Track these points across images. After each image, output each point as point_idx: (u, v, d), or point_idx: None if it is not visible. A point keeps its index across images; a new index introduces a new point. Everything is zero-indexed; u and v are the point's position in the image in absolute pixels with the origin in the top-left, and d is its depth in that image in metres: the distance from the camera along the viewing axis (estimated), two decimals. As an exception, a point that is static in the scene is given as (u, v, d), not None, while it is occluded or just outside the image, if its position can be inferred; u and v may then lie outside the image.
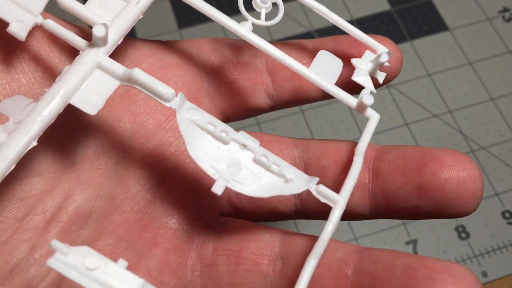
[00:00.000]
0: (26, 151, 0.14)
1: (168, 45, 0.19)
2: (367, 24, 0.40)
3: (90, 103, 0.15)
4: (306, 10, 0.40)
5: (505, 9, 0.40)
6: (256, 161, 0.16)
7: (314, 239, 0.17)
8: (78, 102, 0.15)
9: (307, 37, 0.39)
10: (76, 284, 0.16)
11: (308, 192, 0.18)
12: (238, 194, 0.19)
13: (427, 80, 0.38)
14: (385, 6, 0.40)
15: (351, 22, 0.39)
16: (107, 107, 0.18)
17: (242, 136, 0.16)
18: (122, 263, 0.14)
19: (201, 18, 0.39)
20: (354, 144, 0.18)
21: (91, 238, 0.17)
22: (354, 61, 0.19)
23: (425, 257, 0.15)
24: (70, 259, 0.13)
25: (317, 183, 0.16)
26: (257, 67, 0.19)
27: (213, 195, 0.18)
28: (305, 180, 0.16)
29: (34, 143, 0.14)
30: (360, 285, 0.16)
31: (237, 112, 0.20)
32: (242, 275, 0.17)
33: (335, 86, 0.18)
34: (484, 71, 0.38)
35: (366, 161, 0.17)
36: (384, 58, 0.18)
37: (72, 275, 0.13)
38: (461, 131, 0.36)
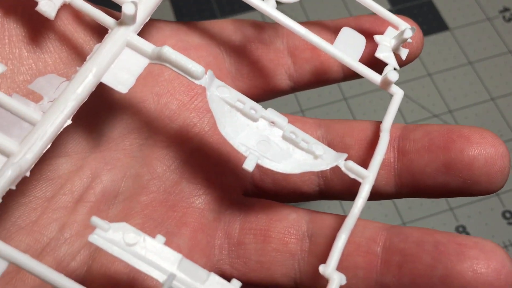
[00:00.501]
0: (62, 129, 0.14)
1: (190, 26, 0.20)
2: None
3: (121, 82, 0.15)
4: (307, 10, 0.40)
5: (506, 9, 0.41)
6: (285, 138, 0.16)
7: (341, 218, 0.17)
8: (110, 81, 0.15)
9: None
10: (108, 264, 0.16)
11: (332, 171, 0.18)
12: (261, 174, 0.19)
13: (427, 80, 0.38)
14: (385, 6, 0.40)
15: None
16: (130, 88, 0.18)
17: (271, 113, 0.16)
18: (160, 238, 0.14)
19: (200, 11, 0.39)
20: (378, 123, 0.18)
21: (119, 218, 0.17)
22: (377, 37, 0.19)
23: (455, 234, 0.16)
24: (110, 235, 0.14)
25: (346, 160, 0.17)
26: (278, 48, 0.20)
27: (237, 175, 0.19)
28: (333, 157, 0.17)
29: (69, 122, 0.14)
30: (390, 262, 0.16)
31: (258, 93, 0.20)
32: (270, 253, 0.18)
33: (359, 63, 0.18)
34: (484, 71, 0.38)
35: (391, 140, 0.18)
36: (408, 34, 0.18)
37: (114, 250, 0.13)
38: (462, 132, 0.37)
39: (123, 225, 0.14)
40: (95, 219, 0.14)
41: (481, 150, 0.16)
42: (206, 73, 0.16)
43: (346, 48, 0.18)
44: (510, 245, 0.32)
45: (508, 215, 0.33)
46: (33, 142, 0.14)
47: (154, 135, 0.18)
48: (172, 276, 0.13)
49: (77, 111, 0.15)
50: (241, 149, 0.16)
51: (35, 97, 0.15)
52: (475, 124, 0.36)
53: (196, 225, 0.18)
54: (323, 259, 0.16)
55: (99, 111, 0.18)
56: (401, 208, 0.33)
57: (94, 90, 0.15)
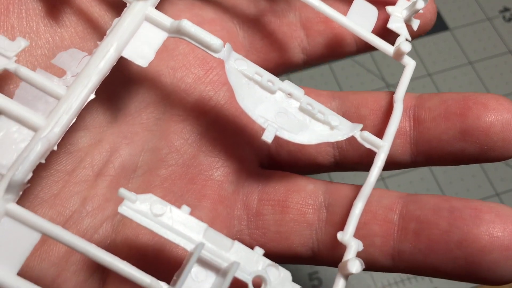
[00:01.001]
0: (86, 103, 0.14)
1: (204, 1, 0.20)
2: None
3: (141, 55, 0.15)
4: None
5: (506, 9, 0.41)
6: (302, 109, 0.17)
7: (357, 187, 0.18)
8: (130, 55, 0.15)
9: None
10: (132, 236, 0.17)
11: (347, 142, 0.19)
12: (277, 146, 0.20)
13: (428, 80, 0.39)
14: None
15: None
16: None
17: (288, 85, 0.17)
18: (185, 209, 0.15)
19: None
20: (392, 94, 0.19)
21: (139, 191, 0.18)
22: (389, 8, 0.19)
23: (470, 199, 0.16)
24: (138, 206, 0.14)
25: (361, 130, 0.17)
26: (291, 21, 0.20)
27: (254, 147, 0.19)
28: (349, 127, 0.17)
29: (92, 96, 0.15)
30: (407, 229, 0.17)
31: (271, 67, 0.20)
32: (288, 224, 0.18)
33: (373, 34, 0.19)
34: (484, 71, 0.39)
35: (406, 110, 0.18)
36: (420, 5, 0.18)
37: (142, 221, 0.14)
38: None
39: (150, 196, 0.14)
40: (123, 191, 0.14)
41: (498, 116, 0.17)
42: (224, 46, 0.16)
43: (359, 20, 0.19)
44: None
45: None
46: (59, 116, 0.14)
47: (170, 109, 0.19)
48: (201, 245, 0.14)
49: (96, 86, 0.15)
50: (260, 121, 0.16)
51: (54, 71, 0.16)
52: None
53: (216, 197, 0.18)
54: (340, 228, 0.17)
55: (116, 86, 0.18)
56: None
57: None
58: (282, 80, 0.17)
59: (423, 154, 0.18)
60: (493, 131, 0.17)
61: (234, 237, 0.19)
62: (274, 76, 0.17)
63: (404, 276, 0.32)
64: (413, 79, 0.38)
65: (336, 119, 0.17)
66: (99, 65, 0.15)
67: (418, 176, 0.35)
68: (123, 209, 0.14)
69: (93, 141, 0.18)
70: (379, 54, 0.39)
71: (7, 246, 0.13)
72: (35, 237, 0.13)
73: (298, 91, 0.17)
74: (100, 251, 0.13)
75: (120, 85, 0.18)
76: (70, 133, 0.17)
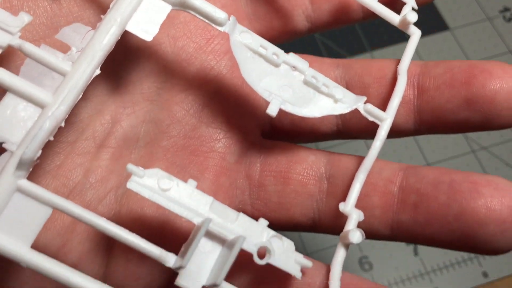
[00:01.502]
0: (91, 79, 0.15)
1: None
2: (367, 24, 0.40)
3: (145, 29, 0.15)
4: None
5: (506, 9, 0.41)
6: (306, 82, 0.17)
7: (358, 158, 0.18)
8: (134, 29, 0.15)
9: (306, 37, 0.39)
10: (137, 209, 0.17)
11: (351, 111, 0.19)
12: (280, 115, 0.20)
13: None
14: None
15: None
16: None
17: (292, 58, 0.17)
18: (192, 183, 0.15)
19: None
20: (397, 62, 0.19)
21: (142, 163, 0.18)
22: (395, -24, 0.19)
23: (470, 173, 0.17)
24: (146, 181, 0.15)
25: (365, 100, 0.17)
26: None
27: (256, 117, 0.19)
28: (353, 100, 0.17)
29: (98, 72, 0.15)
30: (406, 201, 0.17)
31: (275, 35, 0.20)
32: (290, 195, 0.19)
33: (379, 3, 0.18)
34: None
35: (410, 78, 0.18)
36: None
37: (151, 196, 0.14)
38: (462, 131, 0.37)
39: (157, 171, 0.15)
40: (131, 166, 0.15)
41: (503, 83, 0.17)
42: (229, 19, 0.16)
43: (365, -12, 0.19)
44: None
45: None
46: (66, 94, 0.14)
47: (171, 79, 0.19)
48: (208, 220, 0.14)
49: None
50: (265, 94, 0.17)
51: (50, 41, 0.16)
52: None
53: (218, 169, 0.19)
54: (341, 199, 0.17)
55: (116, 55, 0.18)
56: None
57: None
58: (287, 52, 0.17)
59: (426, 122, 0.18)
60: (498, 99, 0.17)
61: (236, 208, 0.19)
62: (279, 49, 0.17)
63: (404, 276, 0.33)
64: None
65: (340, 92, 0.17)
66: (103, 40, 0.15)
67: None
68: (132, 185, 0.14)
69: (94, 112, 0.18)
70: (379, 54, 0.39)
71: (20, 221, 0.14)
72: (47, 212, 0.14)
73: (302, 64, 0.17)
74: (111, 224, 0.14)
75: (121, 55, 0.18)
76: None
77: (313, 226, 0.19)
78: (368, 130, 0.19)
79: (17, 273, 0.17)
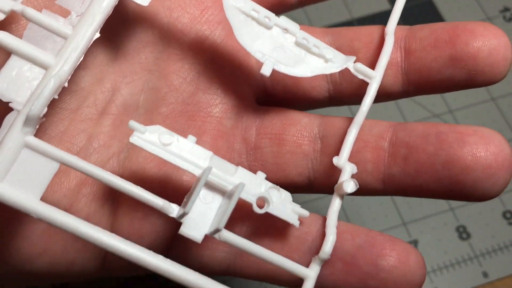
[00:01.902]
0: (92, 42, 0.15)
1: None
2: (367, 24, 0.39)
3: (142, -6, 0.16)
4: (307, 10, 0.40)
5: (506, 9, 0.41)
6: (297, 43, 0.18)
7: (349, 119, 0.19)
8: (131, -7, 0.16)
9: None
10: (139, 170, 0.18)
11: (341, 76, 0.20)
12: (273, 82, 0.21)
13: None
14: (386, 6, 0.40)
15: (351, 21, 0.40)
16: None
17: (284, 20, 0.18)
18: (192, 138, 0.16)
19: None
20: (384, 28, 0.20)
21: None
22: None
23: (456, 124, 0.18)
24: (148, 136, 0.15)
25: (354, 62, 0.18)
26: None
27: (250, 83, 0.20)
28: (343, 59, 0.18)
29: (97, 35, 0.15)
30: (396, 155, 0.18)
31: (266, 7, 0.21)
32: (285, 155, 0.20)
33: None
34: None
35: (397, 41, 0.19)
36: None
37: (153, 150, 0.15)
38: (462, 131, 0.37)
39: (158, 127, 0.16)
40: (133, 123, 0.15)
41: (485, 41, 0.18)
42: (220, -17, 0.17)
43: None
44: (511, 246, 0.33)
45: (508, 215, 0.34)
46: (68, 55, 0.15)
47: (168, 49, 0.20)
48: (209, 169, 0.15)
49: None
50: (258, 56, 0.17)
51: (63, 13, 0.17)
52: (475, 124, 0.35)
53: (216, 132, 0.20)
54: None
55: (113, 25, 0.19)
56: (402, 208, 0.34)
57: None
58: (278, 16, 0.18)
59: (414, 83, 0.19)
60: (480, 56, 0.18)
61: None
62: (270, 12, 0.18)
63: None
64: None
65: (330, 52, 0.18)
66: (103, 4, 0.16)
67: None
68: (134, 139, 0.15)
69: (95, 80, 0.19)
70: None
71: (29, 175, 0.14)
72: (54, 167, 0.15)
73: (293, 26, 0.18)
74: (115, 177, 0.15)
75: (118, 25, 0.19)
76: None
77: (309, 186, 0.20)
78: (358, 94, 0.20)
79: (26, 234, 0.17)
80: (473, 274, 0.32)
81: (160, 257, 0.15)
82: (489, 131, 0.18)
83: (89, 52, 0.19)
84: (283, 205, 0.16)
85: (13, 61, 0.15)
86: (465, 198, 0.18)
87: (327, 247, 0.17)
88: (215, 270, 0.19)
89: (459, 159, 0.17)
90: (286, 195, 0.17)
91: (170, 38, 0.20)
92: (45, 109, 0.15)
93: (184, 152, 0.16)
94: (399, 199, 0.35)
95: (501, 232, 0.34)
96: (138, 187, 0.15)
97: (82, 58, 0.15)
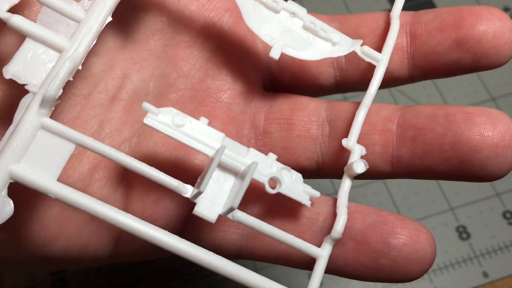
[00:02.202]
0: (104, 25, 0.16)
1: None
2: None
3: (152, -21, 0.16)
4: (307, 10, 0.40)
5: (506, 9, 0.41)
6: (305, 27, 0.18)
7: (357, 104, 0.19)
8: (142, -22, 0.16)
9: None
10: (151, 154, 0.18)
11: (347, 61, 0.20)
12: (280, 68, 0.21)
13: (428, 80, 0.38)
14: (386, 6, 0.41)
15: None
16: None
17: (292, 4, 0.18)
18: (204, 120, 0.16)
19: None
20: (389, 13, 0.20)
21: None
22: None
23: (463, 106, 0.18)
24: (161, 118, 0.16)
25: (361, 45, 0.18)
26: None
27: (258, 70, 0.21)
28: (350, 43, 0.19)
29: (110, 18, 0.16)
30: (404, 136, 0.18)
31: None
32: (294, 140, 0.20)
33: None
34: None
35: (403, 26, 0.19)
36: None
37: (166, 130, 0.15)
38: (462, 131, 0.37)
39: (170, 109, 0.16)
40: (146, 104, 0.16)
41: (490, 24, 0.18)
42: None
43: None
44: (511, 246, 0.33)
45: (508, 215, 0.34)
46: (81, 38, 0.15)
47: (176, 36, 0.20)
48: (222, 148, 0.15)
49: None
50: (267, 39, 0.18)
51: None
52: None
53: (225, 118, 0.20)
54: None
55: (123, 13, 0.19)
56: (401, 208, 0.35)
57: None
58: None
59: (420, 68, 0.20)
60: (485, 38, 0.18)
61: None
62: None
63: None
64: (413, 79, 0.39)
65: (338, 36, 0.19)
66: (115, -12, 0.16)
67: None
68: (148, 120, 0.16)
69: (105, 67, 0.19)
70: None
71: (46, 156, 0.15)
72: (70, 148, 0.15)
73: (301, 11, 0.18)
74: (130, 158, 0.15)
75: (128, 12, 0.19)
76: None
77: (318, 170, 0.20)
78: (364, 79, 0.20)
79: (40, 218, 0.17)
80: (473, 274, 0.33)
81: (175, 236, 0.15)
82: (497, 112, 0.18)
83: (100, 38, 0.19)
84: (294, 186, 0.17)
85: (28, 44, 0.15)
86: (473, 178, 0.18)
87: (339, 226, 0.17)
88: (228, 252, 0.19)
89: (467, 139, 0.18)
90: (297, 176, 0.17)
91: (178, 25, 0.20)
92: (61, 91, 0.15)
93: (197, 133, 0.16)
94: (399, 199, 0.35)
95: (501, 232, 0.34)
96: (153, 168, 0.15)
97: (95, 41, 0.16)
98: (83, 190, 0.18)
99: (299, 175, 0.17)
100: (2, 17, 0.15)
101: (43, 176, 0.15)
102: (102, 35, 0.19)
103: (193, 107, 0.20)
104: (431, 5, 0.41)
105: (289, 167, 0.17)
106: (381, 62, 0.19)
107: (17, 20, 0.15)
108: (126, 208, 0.18)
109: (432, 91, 0.39)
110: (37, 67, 0.15)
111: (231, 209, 0.15)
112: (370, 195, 0.35)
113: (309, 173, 0.21)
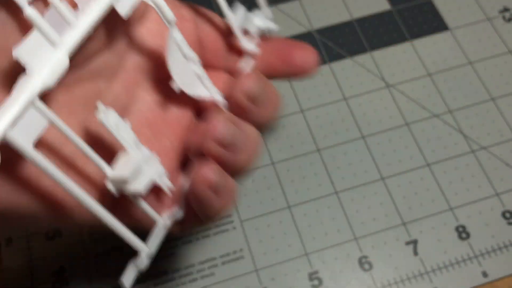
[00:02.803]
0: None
1: None
2: (367, 24, 0.41)
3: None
4: (307, 10, 0.42)
5: (506, 9, 0.41)
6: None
7: None
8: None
9: (306, 37, 0.41)
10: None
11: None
12: None
13: (428, 80, 0.39)
14: (386, 6, 0.42)
15: (351, 21, 0.41)
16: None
17: None
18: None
19: None
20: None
21: None
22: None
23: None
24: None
25: None
26: None
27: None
28: None
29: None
30: None
31: None
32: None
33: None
34: (484, 71, 0.39)
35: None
36: None
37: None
38: (461, 131, 0.37)
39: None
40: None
41: None
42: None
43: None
44: (510, 245, 0.34)
45: (508, 215, 0.34)
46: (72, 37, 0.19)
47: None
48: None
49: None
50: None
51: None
52: (475, 124, 0.38)
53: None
54: None
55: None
56: (401, 208, 0.35)
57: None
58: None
59: None
60: None
61: None
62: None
63: (404, 276, 0.33)
64: (412, 79, 0.40)
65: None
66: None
67: (418, 176, 0.36)
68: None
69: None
70: (379, 54, 0.41)
71: (28, 129, 0.18)
72: (44, 125, 0.18)
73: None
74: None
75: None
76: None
77: None
78: None
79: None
80: (473, 274, 0.33)
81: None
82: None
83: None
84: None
85: (34, 33, 0.18)
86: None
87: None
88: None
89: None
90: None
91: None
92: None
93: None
94: (399, 199, 0.35)
95: (501, 232, 0.34)
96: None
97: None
98: None
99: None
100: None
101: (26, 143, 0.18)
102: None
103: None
104: (431, 5, 0.42)
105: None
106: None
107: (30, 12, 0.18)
108: None
109: (432, 91, 0.39)
110: (40, 54, 0.18)
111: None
112: (370, 195, 0.35)
113: None
